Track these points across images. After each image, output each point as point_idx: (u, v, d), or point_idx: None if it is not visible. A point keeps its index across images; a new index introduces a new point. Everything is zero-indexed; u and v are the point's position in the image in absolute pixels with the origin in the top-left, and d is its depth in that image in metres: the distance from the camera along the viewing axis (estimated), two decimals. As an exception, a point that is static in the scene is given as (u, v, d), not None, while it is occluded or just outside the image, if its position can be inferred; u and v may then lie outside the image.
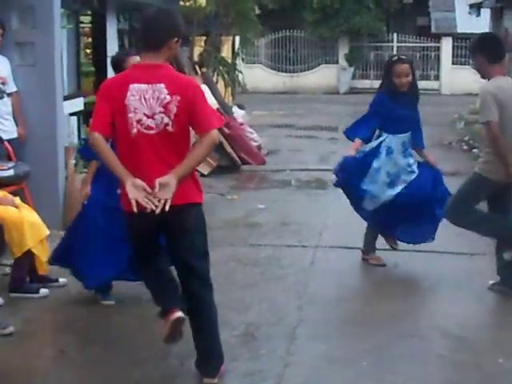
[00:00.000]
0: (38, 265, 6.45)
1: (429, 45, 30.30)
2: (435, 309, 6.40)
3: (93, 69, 11.73)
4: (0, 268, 6.81)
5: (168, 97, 4.54)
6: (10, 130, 7.81)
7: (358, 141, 7.21)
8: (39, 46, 7.85)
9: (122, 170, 4.55)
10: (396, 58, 7.27)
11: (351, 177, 7.19)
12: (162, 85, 4.55)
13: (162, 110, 4.54)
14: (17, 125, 7.91)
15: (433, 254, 7.72)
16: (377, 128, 7.21)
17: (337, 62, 30.58)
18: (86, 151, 6.19)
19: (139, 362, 5.17)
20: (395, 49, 30.01)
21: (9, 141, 7.69)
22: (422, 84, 27.87)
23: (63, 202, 8.20)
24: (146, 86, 4.55)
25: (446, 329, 5.82)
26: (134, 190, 4.46)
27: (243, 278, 6.98)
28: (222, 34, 17.84)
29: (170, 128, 4.56)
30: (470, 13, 21.65)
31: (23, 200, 7.27)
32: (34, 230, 6.30)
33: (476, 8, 20.87)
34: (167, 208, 4.43)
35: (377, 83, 29.07)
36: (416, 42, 30.20)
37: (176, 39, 4.68)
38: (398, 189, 7.13)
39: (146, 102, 4.54)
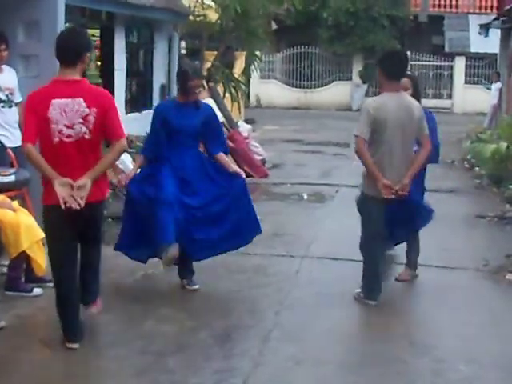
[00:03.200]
0: (36, 266, 6.79)
1: (442, 64, 30.57)
2: (408, 318, 6.69)
3: (100, 81, 12.10)
4: (-2, 268, 7.15)
5: (87, 110, 5.31)
6: (15, 138, 8.14)
7: None
8: (43, 59, 8.21)
9: (51, 172, 5.29)
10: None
11: None
12: (81, 99, 5.31)
13: (81, 121, 5.31)
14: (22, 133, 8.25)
15: (420, 268, 7.95)
16: None
17: (350, 79, 30.88)
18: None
19: (119, 357, 5.52)
20: (409, 66, 30.23)
21: (15, 148, 8.03)
22: (434, 102, 28.43)
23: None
24: (67, 100, 5.30)
25: (414, 338, 6.13)
26: (62, 189, 5.25)
27: (228, 284, 7.31)
28: (237, 49, 18.22)
29: (87, 136, 5.35)
30: (479, 33, 21.92)
31: (23, 205, 7.66)
32: (30, 233, 6.65)
33: (485, 28, 21.15)
34: (82, 204, 5.26)
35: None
36: (429, 61, 30.44)
37: (88, 53, 5.57)
38: None
39: (67, 115, 5.30)
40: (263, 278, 7.59)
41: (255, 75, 31.17)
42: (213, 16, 15.24)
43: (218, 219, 6.92)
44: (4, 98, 7.92)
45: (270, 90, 31.20)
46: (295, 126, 24.13)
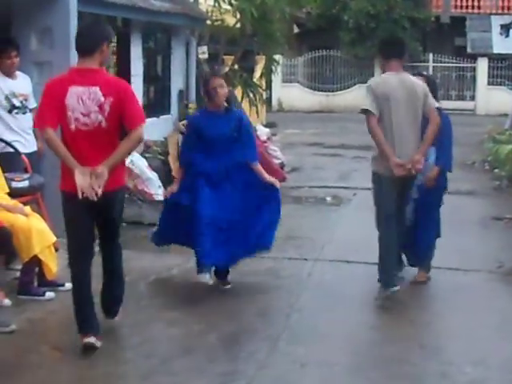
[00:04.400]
0: (46, 270, 6.89)
1: (464, 65, 30.43)
2: (419, 320, 6.63)
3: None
4: (11, 272, 7.22)
5: (102, 98, 5.35)
6: (30, 144, 8.24)
7: None
8: (56, 65, 8.28)
9: (72, 160, 5.33)
10: (417, 72, 7.84)
11: None
12: (97, 88, 5.35)
13: (97, 109, 5.35)
14: (36, 139, 8.35)
15: (434, 270, 7.94)
16: None
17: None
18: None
19: (125, 361, 5.59)
20: (431, 69, 30.16)
21: (29, 154, 8.12)
22: (457, 104, 28.31)
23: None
24: (83, 88, 5.36)
25: (423, 340, 6.12)
26: (81, 178, 5.27)
27: (239, 288, 7.32)
28: (258, 53, 18.23)
29: (103, 124, 5.38)
30: (500, 33, 21.84)
31: (38, 210, 7.75)
32: (41, 237, 6.74)
33: (505, 29, 21.07)
34: (100, 193, 5.28)
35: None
36: (452, 62, 30.31)
37: (106, 43, 5.54)
38: None
39: (83, 103, 5.34)
40: (275, 281, 7.61)
41: (277, 79, 31.33)
42: (231, 20, 15.27)
43: (246, 228, 7.09)
44: (18, 104, 8.03)
45: (292, 94, 31.21)
46: (316, 129, 24.13)
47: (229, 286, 7.30)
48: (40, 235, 6.73)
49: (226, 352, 5.75)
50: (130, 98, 5.43)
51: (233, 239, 7.02)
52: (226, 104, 7.06)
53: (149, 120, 13.30)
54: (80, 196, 5.27)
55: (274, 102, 31.29)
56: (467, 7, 31.69)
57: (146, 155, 12.16)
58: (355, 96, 30.24)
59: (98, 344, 5.63)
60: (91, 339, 5.60)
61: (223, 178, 7.01)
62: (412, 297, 7.20)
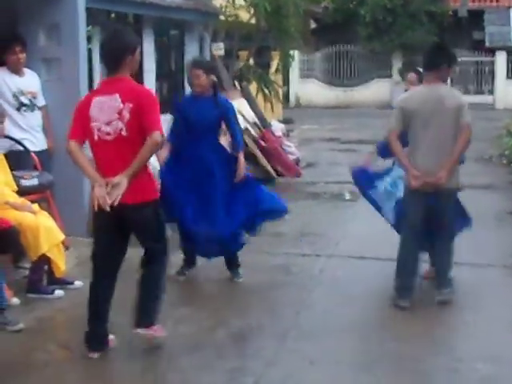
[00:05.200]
0: (55, 268, 6.85)
1: (483, 59, 30.18)
2: (429, 317, 6.50)
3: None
4: (20, 271, 7.18)
5: (121, 105, 5.24)
6: (40, 142, 8.20)
7: None
8: (65, 62, 8.27)
9: (93, 174, 5.31)
10: (412, 68, 7.89)
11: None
12: (117, 95, 5.27)
13: (117, 116, 5.25)
14: (46, 137, 8.31)
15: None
16: None
17: (390, 77, 30.64)
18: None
19: (134, 358, 5.51)
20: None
21: (39, 152, 8.08)
22: (476, 98, 28.07)
23: (88, 211, 8.54)
24: (105, 97, 5.31)
25: (435, 336, 6.00)
26: (98, 189, 5.21)
27: (250, 284, 7.25)
28: (274, 49, 18.15)
29: (124, 132, 5.26)
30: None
31: (47, 208, 7.71)
32: (49, 235, 6.70)
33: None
34: (116, 203, 5.14)
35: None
36: (470, 57, 30.07)
37: (131, 56, 5.37)
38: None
39: (104, 112, 5.28)
40: (286, 278, 7.53)
41: (295, 75, 31.25)
42: (245, 16, 15.20)
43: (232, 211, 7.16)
44: (27, 101, 7.99)
45: (309, 89, 31.08)
46: (333, 124, 23.99)
47: (241, 280, 7.30)
48: (48, 233, 6.68)
49: (235, 348, 5.69)
50: (149, 105, 5.25)
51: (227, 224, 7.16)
52: (212, 90, 7.18)
53: (162, 116, 13.33)
54: (96, 208, 5.21)
55: (292, 98, 31.19)
56: (485, 0, 31.43)
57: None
58: (373, 91, 30.21)
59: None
60: (94, 355, 5.52)
61: (205, 161, 7.11)
62: (424, 293, 7.07)
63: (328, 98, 30.46)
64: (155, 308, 5.61)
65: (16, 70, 7.95)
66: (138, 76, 11.75)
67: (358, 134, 20.99)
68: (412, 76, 7.60)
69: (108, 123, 5.26)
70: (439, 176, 6.49)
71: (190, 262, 7.53)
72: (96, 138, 5.31)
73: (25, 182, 7.43)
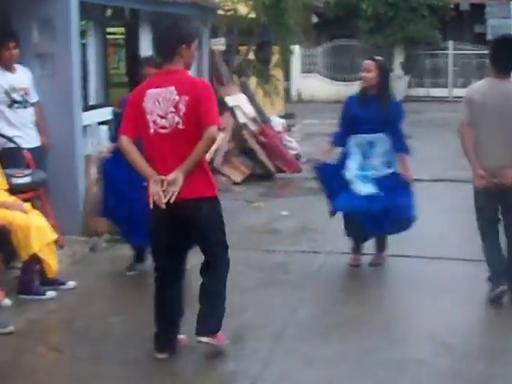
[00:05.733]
0: (47, 268, 6.70)
1: (485, 52, 29.90)
2: (429, 315, 6.32)
3: (127, 79, 11.95)
4: (12, 271, 7.04)
5: (177, 97, 5.05)
6: (33, 139, 8.07)
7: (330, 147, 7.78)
8: (58, 57, 8.13)
9: (147, 170, 5.12)
10: (368, 56, 7.70)
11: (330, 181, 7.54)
12: (172, 87, 5.07)
13: (173, 109, 5.05)
14: (40, 134, 8.18)
15: (440, 260, 7.78)
16: (347, 130, 7.56)
17: (392, 71, 30.41)
18: None
19: (127, 361, 5.37)
20: (451, 56, 29.78)
21: (32, 149, 7.95)
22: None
23: (83, 209, 8.43)
24: (159, 90, 5.09)
25: (435, 335, 5.82)
26: (153, 187, 5.04)
27: (246, 282, 7.08)
28: (276, 44, 17.98)
29: (180, 126, 5.06)
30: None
31: (41, 206, 7.58)
32: (41, 235, 6.55)
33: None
34: (172, 199, 4.97)
35: (433, 91, 28.79)
36: (472, 50, 29.86)
37: (185, 46, 5.14)
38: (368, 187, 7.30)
39: (160, 104, 5.06)
40: (283, 275, 7.40)
41: (296, 69, 31.05)
42: (244, 10, 15.04)
43: None
44: (19, 98, 7.86)
45: (311, 84, 30.87)
46: (335, 119, 23.59)
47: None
48: (39, 233, 6.54)
49: (230, 350, 5.51)
50: (206, 97, 5.08)
51: None
52: None
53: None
54: (151, 205, 5.06)
55: (293, 93, 30.99)
56: (487, -7, 31.18)
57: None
58: (375, 85, 29.92)
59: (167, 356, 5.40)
60: (161, 356, 5.38)
61: None
62: (425, 291, 6.93)
63: (330, 93, 30.18)
64: (218, 316, 5.38)
65: (8, 67, 7.82)
66: (136, 72, 11.59)
67: (359, 129, 20.79)
68: (367, 63, 7.37)
69: (163, 116, 5.07)
70: (505, 175, 6.31)
71: (139, 258, 7.42)
72: (151, 131, 5.11)
73: (17, 180, 7.30)
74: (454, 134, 6.71)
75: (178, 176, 5.01)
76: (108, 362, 5.38)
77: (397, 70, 30.14)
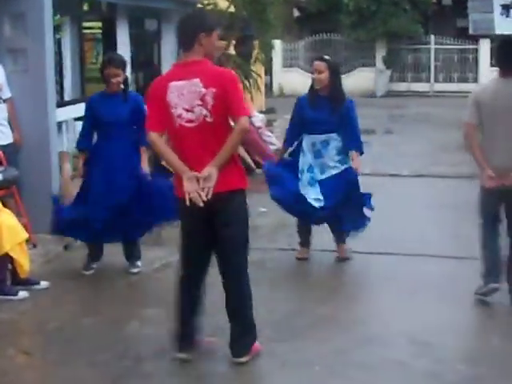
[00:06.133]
0: (18, 268, 6.57)
1: (467, 47, 29.96)
2: (409, 314, 6.22)
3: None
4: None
5: (203, 89, 4.90)
6: (5, 136, 7.92)
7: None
8: (31, 53, 7.98)
9: (179, 165, 4.97)
10: (317, 56, 7.72)
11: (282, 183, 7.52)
12: (197, 79, 4.91)
13: (200, 102, 4.90)
14: (12, 130, 8.03)
15: (420, 257, 7.73)
16: (298, 130, 7.53)
17: (374, 65, 30.41)
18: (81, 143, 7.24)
19: (96, 363, 5.25)
20: (433, 51, 29.75)
21: (4, 146, 7.80)
22: (460, 86, 27.89)
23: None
24: (183, 82, 4.94)
25: (413, 335, 5.72)
26: (189, 184, 4.90)
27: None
28: (256, 38, 17.83)
29: (208, 119, 4.93)
30: (501, 14, 21.44)
31: (14, 204, 7.45)
32: (12, 234, 6.42)
33: (506, 9, 20.68)
34: (209, 196, 4.86)
35: (415, 86, 28.86)
36: (454, 44, 29.87)
37: (204, 34, 4.98)
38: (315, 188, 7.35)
39: (184, 97, 4.91)
40: (261, 273, 7.22)
41: (278, 64, 30.95)
42: (224, 4, 14.89)
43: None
44: (-12, 94, 7.71)
45: (292, 79, 30.73)
46: (316, 114, 23.70)
47: (136, 270, 7.28)
48: (10, 232, 6.41)
49: (204, 352, 5.40)
50: (233, 89, 4.93)
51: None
52: (122, 87, 7.07)
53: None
54: (187, 202, 4.92)
55: (275, 87, 30.91)
56: (468, -13, 31.15)
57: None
58: (356, 79, 29.90)
59: (191, 357, 5.27)
60: (181, 356, 5.26)
61: (117, 162, 6.99)
62: (403, 289, 6.85)
63: (311, 87, 30.13)
64: (250, 330, 5.28)
65: (-21, 62, 7.68)
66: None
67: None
68: (318, 64, 7.33)
69: (189, 110, 4.91)
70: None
71: (95, 256, 7.35)
72: (177, 125, 4.97)
73: (-12, 178, 7.16)
74: (436, 129, 6.70)
75: (212, 171, 4.88)
76: (77, 365, 5.24)
77: (379, 64, 30.14)
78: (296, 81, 30.65)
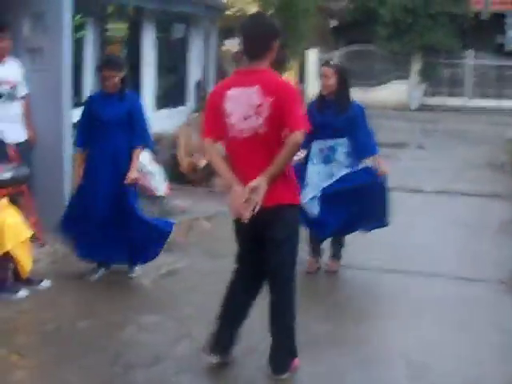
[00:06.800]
0: (20, 267, 6.54)
1: (505, 63, 29.59)
2: (411, 336, 6.06)
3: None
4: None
5: (260, 99, 4.73)
6: (19, 133, 7.92)
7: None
8: (48, 52, 7.97)
9: (229, 176, 4.84)
10: (325, 61, 7.73)
11: None
12: (255, 88, 4.74)
13: (255, 112, 4.75)
14: (26, 128, 8.02)
15: (428, 277, 7.58)
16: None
17: (409, 78, 30.15)
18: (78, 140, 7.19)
19: (86, 367, 5.18)
20: (470, 66, 29.41)
21: (17, 144, 7.80)
22: (496, 103, 27.54)
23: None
24: (241, 90, 4.78)
25: (413, 358, 5.58)
26: (234, 197, 4.76)
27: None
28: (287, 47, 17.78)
29: (261, 130, 4.76)
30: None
31: (22, 203, 7.43)
32: (15, 233, 6.40)
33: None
34: (256, 210, 4.68)
35: (450, 100, 28.27)
36: (492, 60, 29.52)
37: (275, 42, 4.85)
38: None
39: (241, 106, 4.77)
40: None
41: (312, 73, 30.78)
42: (251, 9, 14.87)
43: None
44: (4, 92, 7.71)
45: (326, 89, 30.62)
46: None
47: (134, 275, 7.21)
48: (13, 230, 6.39)
49: (197, 362, 5.31)
50: (291, 100, 4.73)
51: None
52: (120, 87, 7.02)
53: (163, 111, 13.07)
54: (233, 217, 4.89)
55: (309, 96, 30.75)
56: (507, 3, 30.78)
57: (157, 148, 11.82)
58: (390, 92, 29.70)
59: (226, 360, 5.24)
60: (214, 359, 5.21)
61: (109, 161, 6.93)
62: (406, 308, 6.71)
63: (345, 98, 29.92)
64: (290, 347, 5.18)
65: (-4, 59, 7.68)
66: (137, 69, 11.48)
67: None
68: (326, 70, 7.25)
69: (244, 118, 4.77)
70: None
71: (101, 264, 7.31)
72: (230, 135, 4.84)
73: (-1, 175, 7.14)
74: (468, 145, 6.57)
75: (260, 184, 4.68)
76: (66, 368, 5.17)
77: (413, 77, 29.86)
78: (330, 90, 30.55)
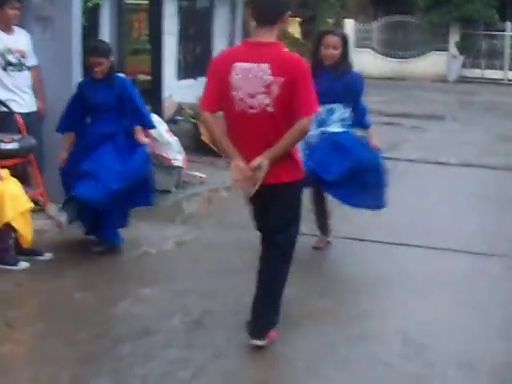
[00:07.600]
0: (21, 238, 6.51)
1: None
2: (412, 313, 5.90)
3: (148, 47, 11.69)
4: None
5: (271, 77, 4.59)
6: (28, 104, 7.88)
7: None
8: (58, 21, 7.91)
9: (231, 149, 4.78)
10: (329, 30, 7.45)
11: None
12: (267, 65, 4.59)
13: (264, 90, 4.61)
14: (36, 99, 7.98)
15: (448, 252, 7.41)
16: None
17: (447, 50, 29.65)
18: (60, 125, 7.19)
19: (74, 341, 5.12)
20: (508, 38, 28.83)
21: (26, 114, 7.76)
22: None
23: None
24: (251, 64, 4.62)
25: (410, 335, 5.42)
26: (235, 172, 4.72)
27: (236, 264, 6.71)
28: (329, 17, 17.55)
29: (269, 108, 4.65)
30: None
31: (29, 173, 7.40)
32: (15, 203, 6.36)
33: None
34: (257, 187, 4.67)
35: (488, 73, 28.10)
36: (532, 33, 28.91)
37: (288, 12, 4.74)
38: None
39: (249, 82, 4.62)
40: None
41: (350, 44, 30.44)
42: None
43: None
44: (14, 60, 7.68)
45: (363, 60, 30.05)
46: (382, 96, 23.12)
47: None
48: (13, 201, 6.35)
49: (186, 337, 5.24)
50: (302, 82, 4.61)
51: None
52: (108, 73, 6.94)
53: (184, 81, 12.96)
54: (234, 189, 4.88)
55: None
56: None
57: (178, 118, 11.75)
58: (428, 63, 29.27)
59: (263, 343, 5.02)
60: (256, 342, 5.00)
61: (105, 141, 6.87)
62: (412, 284, 6.54)
63: (382, 69, 29.56)
64: (274, 314, 5.11)
65: (6, 27, 7.62)
66: (158, 38, 11.35)
67: (404, 107, 20.31)
68: (335, 40, 6.89)
69: (252, 95, 4.63)
70: None
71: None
72: (236, 109, 4.72)
73: (4, 146, 7.13)
74: (504, 118, 6.31)
75: (263, 163, 4.64)
76: (55, 341, 5.10)
77: (452, 49, 29.37)
78: (367, 62, 30.15)
